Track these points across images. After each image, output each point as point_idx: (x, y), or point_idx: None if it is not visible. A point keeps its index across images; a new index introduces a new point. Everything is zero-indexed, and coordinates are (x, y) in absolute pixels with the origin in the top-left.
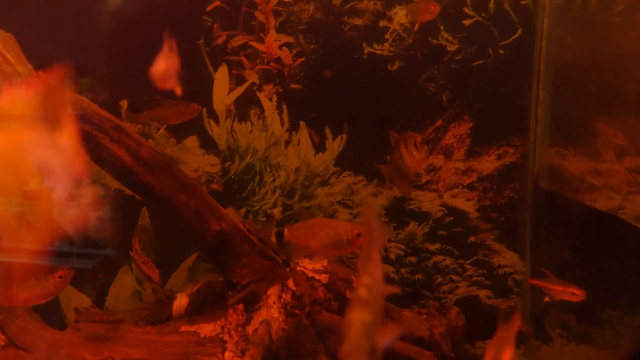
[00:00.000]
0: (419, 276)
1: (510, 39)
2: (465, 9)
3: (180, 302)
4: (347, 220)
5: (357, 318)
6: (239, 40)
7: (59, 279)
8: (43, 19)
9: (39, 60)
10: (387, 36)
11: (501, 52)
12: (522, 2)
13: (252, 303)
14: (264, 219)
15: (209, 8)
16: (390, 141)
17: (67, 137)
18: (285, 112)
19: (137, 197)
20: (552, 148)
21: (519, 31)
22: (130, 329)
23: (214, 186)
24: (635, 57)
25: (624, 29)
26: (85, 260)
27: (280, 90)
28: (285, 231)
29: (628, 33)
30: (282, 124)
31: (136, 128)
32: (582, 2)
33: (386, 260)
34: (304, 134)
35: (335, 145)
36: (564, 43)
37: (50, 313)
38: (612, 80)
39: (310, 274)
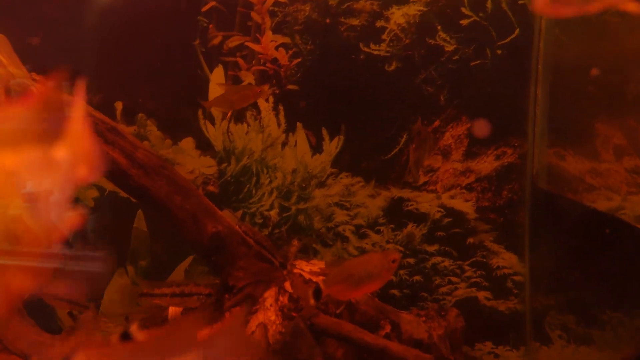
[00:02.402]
0: (417, 278)
1: (508, 39)
2: (463, 9)
3: None
4: (376, 251)
5: None
6: (234, 41)
7: None
8: (37, 19)
9: (33, 61)
10: (384, 36)
11: (499, 52)
12: (520, 2)
13: (248, 306)
14: (261, 220)
15: (204, 8)
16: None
17: (73, 143)
18: (281, 113)
19: (132, 199)
20: (551, 148)
21: (517, 31)
22: None
23: (210, 188)
24: (633, 57)
25: (621, 29)
26: (83, 262)
27: (277, 91)
28: (322, 286)
29: (626, 33)
30: (279, 125)
31: (131, 130)
32: None
33: None
34: (300, 135)
35: (332, 146)
36: (562, 43)
37: (46, 318)
38: (611, 80)
39: (307, 276)
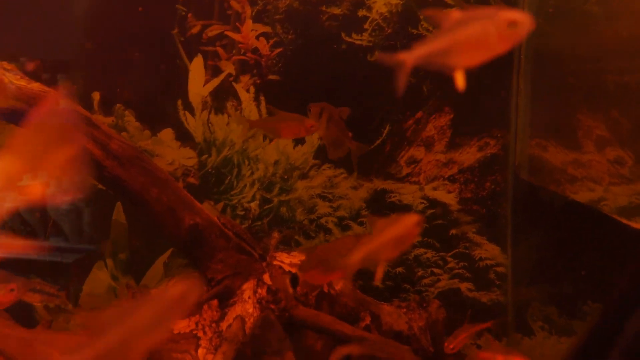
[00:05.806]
0: (400, 269)
1: None
2: None
3: None
4: (349, 235)
5: None
6: (214, 30)
7: (10, 292)
8: (13, 9)
9: (7, 52)
10: (366, 26)
11: None
12: None
13: (226, 298)
14: (243, 212)
15: None
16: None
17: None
18: (263, 103)
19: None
20: (533, 139)
21: None
22: None
23: (191, 180)
24: (614, 47)
25: (603, 19)
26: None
27: (258, 81)
28: (299, 274)
29: (607, 23)
30: (260, 115)
31: (109, 120)
32: None
33: None
34: None
35: (314, 137)
36: (544, 33)
37: (20, 310)
38: (593, 71)
39: (287, 268)
